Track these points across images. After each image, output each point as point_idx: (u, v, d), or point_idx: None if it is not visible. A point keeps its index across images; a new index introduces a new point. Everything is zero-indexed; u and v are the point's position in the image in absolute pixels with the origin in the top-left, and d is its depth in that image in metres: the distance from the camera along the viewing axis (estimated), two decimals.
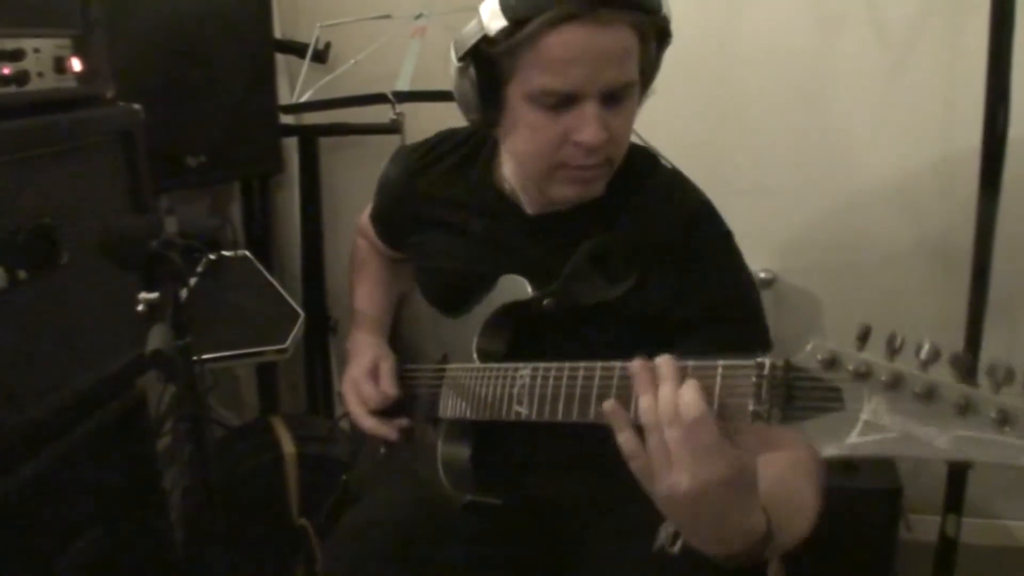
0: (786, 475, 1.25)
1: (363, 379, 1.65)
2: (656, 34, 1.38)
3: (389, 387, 1.63)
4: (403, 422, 1.64)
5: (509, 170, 1.55)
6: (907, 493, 2.56)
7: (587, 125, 1.32)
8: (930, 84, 2.66)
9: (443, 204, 1.63)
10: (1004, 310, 2.45)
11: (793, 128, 2.78)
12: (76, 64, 1.75)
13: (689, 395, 1.04)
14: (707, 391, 1.05)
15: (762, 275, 2.81)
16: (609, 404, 1.12)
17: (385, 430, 1.63)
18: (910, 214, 2.78)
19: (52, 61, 1.70)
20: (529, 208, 1.54)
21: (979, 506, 2.87)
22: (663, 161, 1.58)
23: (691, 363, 1.08)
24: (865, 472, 2.58)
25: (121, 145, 1.86)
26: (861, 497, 2.55)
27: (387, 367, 1.66)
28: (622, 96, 1.35)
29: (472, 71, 1.37)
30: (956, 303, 2.31)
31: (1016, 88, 2.12)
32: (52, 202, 1.67)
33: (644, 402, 1.07)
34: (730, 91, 2.80)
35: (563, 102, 1.33)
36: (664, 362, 1.08)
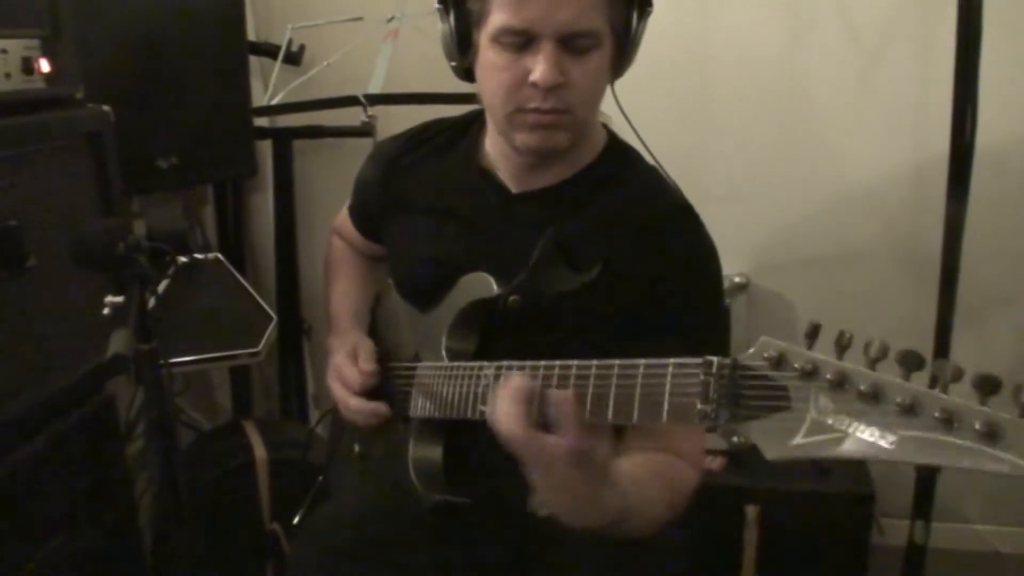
0: (648, 477, 1.32)
1: (345, 363, 1.64)
2: None
3: (366, 363, 1.62)
4: (386, 405, 1.63)
5: (491, 144, 1.57)
6: (879, 498, 2.58)
7: (540, 64, 1.34)
8: (902, 89, 2.68)
9: (423, 186, 1.64)
10: (974, 314, 2.47)
11: (766, 133, 2.80)
12: (44, 65, 1.73)
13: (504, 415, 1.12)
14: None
15: (736, 279, 2.82)
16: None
17: (370, 407, 1.61)
18: (883, 218, 2.80)
19: (20, 62, 1.68)
20: (512, 185, 1.55)
21: (950, 511, 2.89)
22: (648, 159, 1.59)
23: (643, 363, 1.09)
24: (837, 477, 2.60)
25: (90, 147, 1.84)
26: (834, 502, 2.57)
27: (365, 349, 1.65)
28: (584, 47, 1.36)
29: (449, 14, 1.43)
30: (927, 307, 2.33)
31: (983, 94, 2.13)
32: (19, 204, 1.65)
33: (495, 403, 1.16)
34: (703, 96, 2.81)
35: (523, 43, 1.36)
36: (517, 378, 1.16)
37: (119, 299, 1.34)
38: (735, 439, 1.41)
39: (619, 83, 1.51)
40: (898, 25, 2.64)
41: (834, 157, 2.78)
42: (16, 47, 1.68)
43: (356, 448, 1.78)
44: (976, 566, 2.94)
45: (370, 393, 1.62)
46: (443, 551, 1.58)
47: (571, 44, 1.35)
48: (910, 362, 0.85)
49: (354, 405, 1.61)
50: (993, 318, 2.75)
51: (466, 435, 1.52)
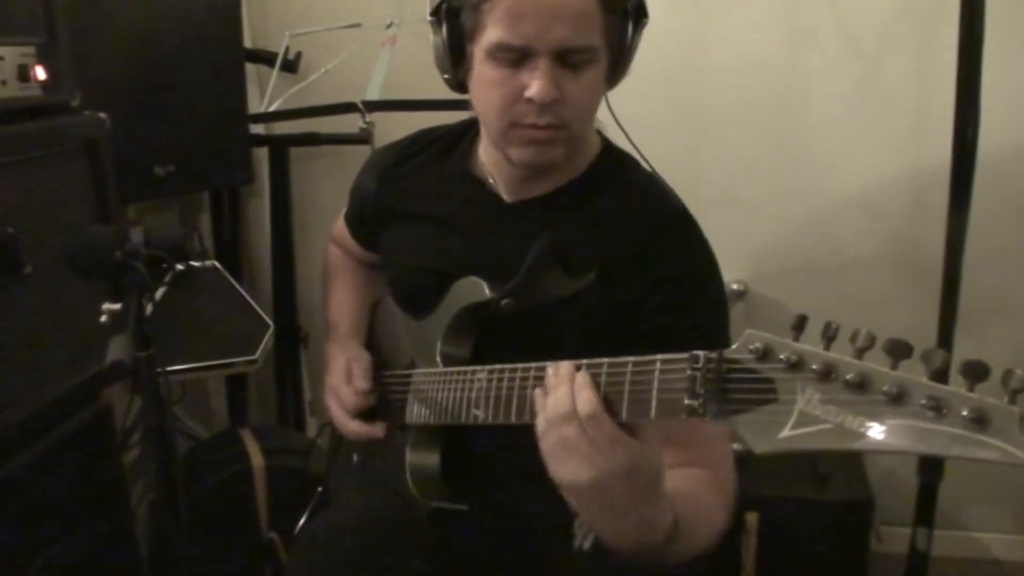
0: (699, 487, 1.31)
1: (340, 384, 1.64)
2: (624, 8, 1.39)
3: (360, 383, 1.62)
4: (384, 424, 1.62)
5: (485, 153, 1.57)
6: (879, 505, 2.58)
7: (536, 81, 1.33)
8: (900, 96, 2.68)
9: (418, 195, 1.63)
10: (974, 320, 2.46)
11: (765, 140, 2.80)
12: (40, 72, 1.72)
13: (584, 394, 1.09)
14: (617, 389, 1.10)
15: (734, 286, 2.82)
16: (539, 391, 1.18)
17: (368, 430, 1.61)
18: (881, 225, 2.79)
19: (16, 69, 1.67)
20: (505, 194, 1.55)
21: (950, 518, 2.88)
22: (644, 165, 1.58)
23: (632, 360, 1.09)
24: (836, 484, 2.60)
25: (86, 154, 1.83)
26: (832, 509, 2.56)
27: (359, 366, 1.65)
28: (580, 62, 1.35)
29: (442, 27, 1.41)
30: (927, 314, 2.33)
31: (985, 101, 2.13)
32: (15, 211, 1.64)
33: (541, 402, 1.15)
34: (701, 103, 2.81)
35: (519, 59, 1.34)
36: (562, 365, 1.15)
37: (116, 306, 1.33)
38: (733, 446, 1.40)
39: (618, 89, 1.51)
40: (897, 31, 2.65)
41: (833, 163, 2.78)
42: (12, 54, 1.67)
43: (355, 457, 1.77)
44: (977, 573, 2.93)
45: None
46: (441, 559, 1.58)
47: (567, 59, 1.34)
48: (898, 351, 0.85)
49: (351, 428, 1.62)
50: (995, 326, 2.74)
51: (463, 441, 1.52)
